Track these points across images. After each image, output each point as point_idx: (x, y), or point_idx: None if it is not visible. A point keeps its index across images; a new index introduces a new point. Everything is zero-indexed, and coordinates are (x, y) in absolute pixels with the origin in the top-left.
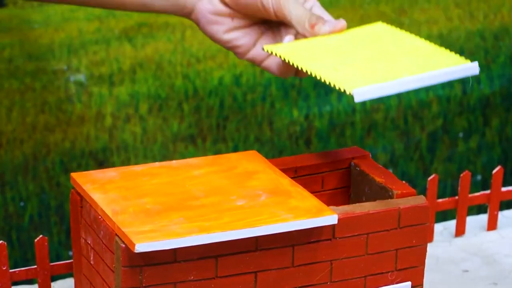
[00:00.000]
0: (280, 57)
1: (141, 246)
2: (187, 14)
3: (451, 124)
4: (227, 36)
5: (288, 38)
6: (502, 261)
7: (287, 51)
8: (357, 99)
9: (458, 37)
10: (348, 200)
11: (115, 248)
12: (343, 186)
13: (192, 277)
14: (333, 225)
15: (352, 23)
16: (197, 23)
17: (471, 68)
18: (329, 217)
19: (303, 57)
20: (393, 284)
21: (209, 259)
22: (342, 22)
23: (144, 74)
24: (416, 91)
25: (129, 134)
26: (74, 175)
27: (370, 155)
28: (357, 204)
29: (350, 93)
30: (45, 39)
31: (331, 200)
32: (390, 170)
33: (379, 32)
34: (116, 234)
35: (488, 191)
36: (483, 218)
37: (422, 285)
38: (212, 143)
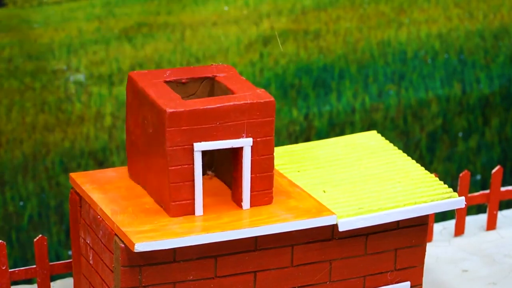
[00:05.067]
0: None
1: (141, 246)
2: None
3: (450, 123)
4: None
5: None
6: (501, 261)
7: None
8: (342, 228)
9: (458, 36)
10: None
11: (114, 248)
12: None
13: (191, 277)
14: (333, 225)
15: (352, 23)
16: None
17: (457, 202)
18: (329, 217)
19: (294, 169)
20: (392, 284)
21: (208, 259)
22: None
23: None
24: (416, 91)
25: None
26: (73, 175)
27: None
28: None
29: (337, 222)
30: (45, 39)
31: None
32: None
33: (372, 147)
34: (116, 234)
35: (487, 191)
36: (483, 217)
37: (421, 284)
38: None
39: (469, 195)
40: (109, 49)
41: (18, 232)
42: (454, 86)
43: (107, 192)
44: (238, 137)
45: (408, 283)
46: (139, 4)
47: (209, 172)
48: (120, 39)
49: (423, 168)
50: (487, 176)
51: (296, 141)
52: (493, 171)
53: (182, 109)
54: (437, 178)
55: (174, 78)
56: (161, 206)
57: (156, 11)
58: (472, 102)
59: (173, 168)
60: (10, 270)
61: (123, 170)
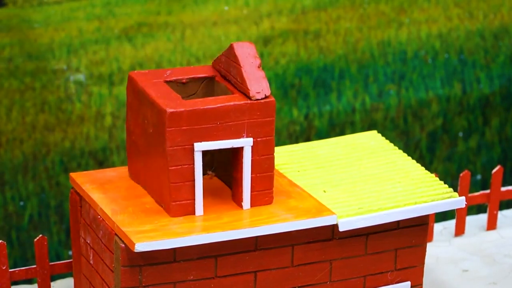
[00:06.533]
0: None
1: (141, 246)
2: None
3: (450, 123)
4: None
5: None
6: (501, 261)
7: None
8: (342, 228)
9: (458, 36)
10: None
11: (115, 248)
12: None
13: (191, 277)
14: (333, 225)
15: (352, 23)
16: None
17: (457, 202)
18: (329, 217)
19: (295, 169)
20: (392, 283)
21: (208, 259)
22: None
23: None
24: (416, 91)
25: None
26: (73, 175)
27: None
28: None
29: (337, 222)
30: (45, 39)
31: None
32: None
33: (372, 147)
34: (116, 234)
35: (487, 191)
36: (483, 217)
37: (421, 285)
38: None
39: (470, 195)
40: (109, 49)
41: (18, 232)
42: (454, 86)
43: (107, 192)
44: (239, 137)
45: (408, 283)
46: (139, 4)
47: (209, 172)
48: (120, 39)
49: (423, 168)
50: (487, 176)
51: (296, 141)
52: (494, 171)
53: (182, 109)
54: (437, 178)
55: (174, 78)
56: (161, 206)
57: (156, 11)
58: (472, 102)
59: (173, 168)
60: (10, 270)
61: (123, 170)
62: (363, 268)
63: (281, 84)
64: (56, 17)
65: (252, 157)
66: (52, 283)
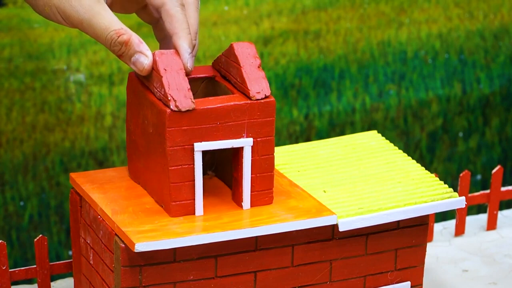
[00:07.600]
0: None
1: (141, 246)
2: None
3: (451, 123)
4: None
5: None
6: (501, 261)
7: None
8: (342, 228)
9: (458, 36)
10: None
11: (115, 248)
12: None
13: (191, 277)
14: (333, 225)
15: (352, 23)
16: None
17: (457, 202)
18: (329, 217)
19: (295, 169)
20: (392, 283)
21: (208, 259)
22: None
23: None
24: (416, 91)
25: None
26: (73, 175)
27: None
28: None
29: (337, 222)
30: (45, 39)
31: None
32: None
33: (372, 147)
34: (116, 234)
35: (487, 191)
36: (483, 217)
37: (421, 285)
38: None
39: (470, 195)
40: None
41: (18, 232)
42: (454, 86)
43: (107, 192)
44: (239, 137)
45: (408, 283)
46: None
47: (209, 172)
48: None
49: (423, 168)
50: (487, 176)
51: (296, 141)
52: (494, 171)
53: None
54: (437, 178)
55: None
56: (162, 206)
57: None
58: (472, 102)
59: (173, 168)
60: (10, 270)
61: (123, 170)
62: (363, 268)
63: (281, 84)
64: None
65: (252, 157)
66: (52, 283)
